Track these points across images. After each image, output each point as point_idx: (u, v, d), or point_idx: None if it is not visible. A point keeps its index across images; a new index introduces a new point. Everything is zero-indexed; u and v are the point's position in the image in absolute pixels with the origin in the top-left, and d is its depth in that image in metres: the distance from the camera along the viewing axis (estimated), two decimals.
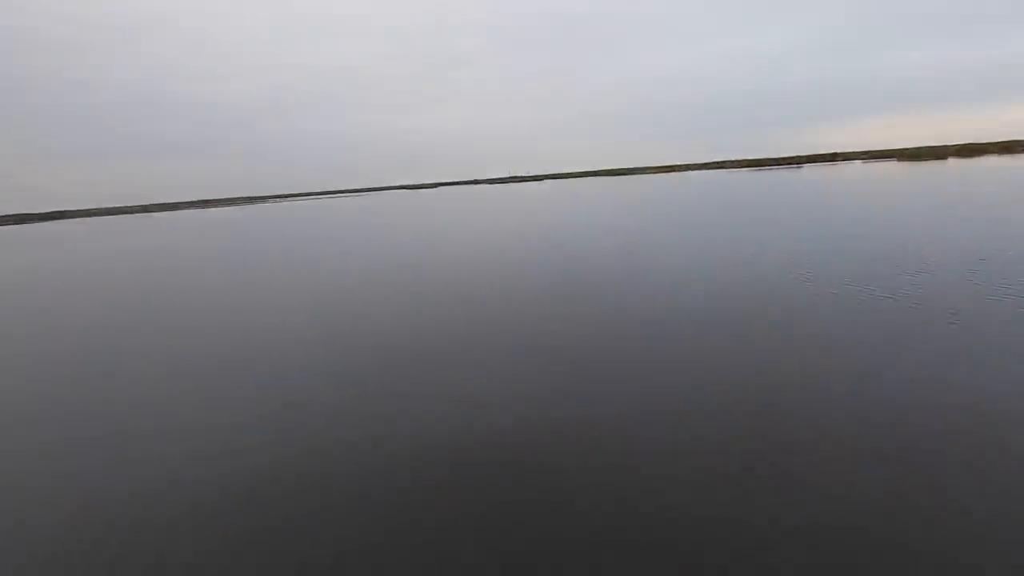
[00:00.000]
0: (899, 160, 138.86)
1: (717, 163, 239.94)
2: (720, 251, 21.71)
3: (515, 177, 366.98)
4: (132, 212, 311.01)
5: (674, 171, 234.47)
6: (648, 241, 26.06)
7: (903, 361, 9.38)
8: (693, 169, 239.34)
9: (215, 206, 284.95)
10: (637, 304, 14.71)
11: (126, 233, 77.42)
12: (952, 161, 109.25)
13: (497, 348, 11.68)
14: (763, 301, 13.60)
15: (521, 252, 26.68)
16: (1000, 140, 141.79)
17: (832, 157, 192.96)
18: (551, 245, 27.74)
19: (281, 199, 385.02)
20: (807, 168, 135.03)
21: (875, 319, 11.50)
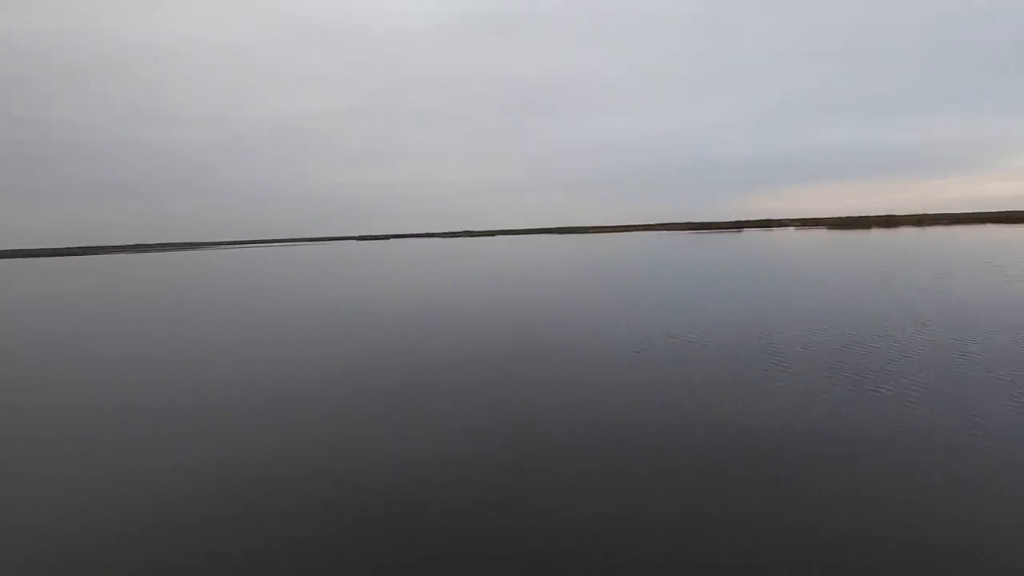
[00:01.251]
0: (828, 228, 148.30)
1: (663, 225, 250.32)
2: (650, 312, 20.88)
3: (468, 231, 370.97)
4: (68, 254, 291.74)
5: (622, 231, 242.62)
6: (584, 296, 25.22)
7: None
8: (640, 230, 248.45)
9: (156, 250, 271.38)
10: (563, 358, 14.37)
11: (49, 275, 71.13)
12: (875, 231, 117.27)
13: (420, 399, 11.32)
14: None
15: (460, 302, 25.69)
16: (913, 214, 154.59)
17: (768, 223, 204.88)
18: (490, 297, 26.57)
19: (233, 245, 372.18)
20: (746, 232, 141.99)
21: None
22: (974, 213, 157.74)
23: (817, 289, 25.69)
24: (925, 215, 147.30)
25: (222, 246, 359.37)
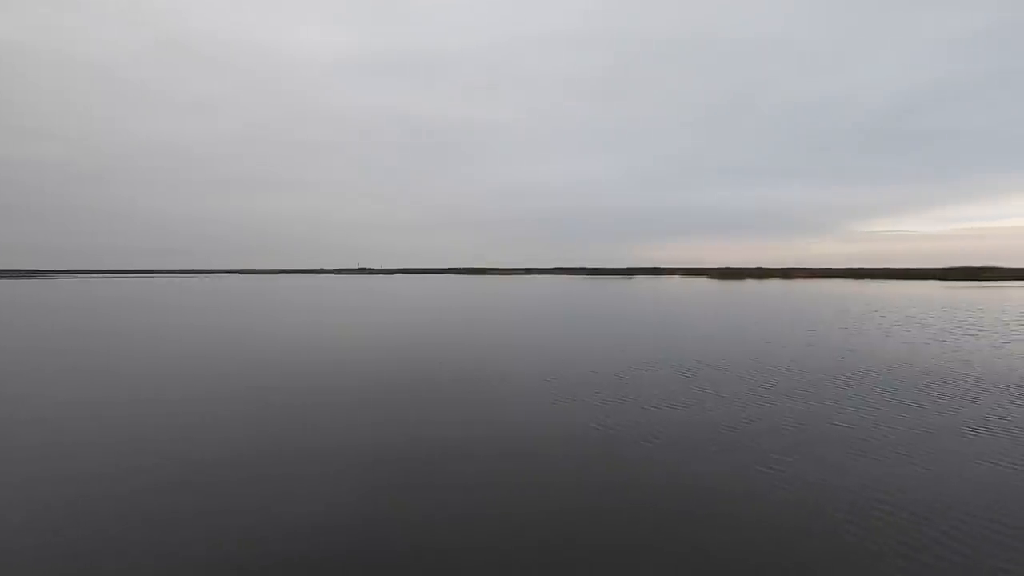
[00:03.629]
0: (709, 277, 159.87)
1: (561, 269, 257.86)
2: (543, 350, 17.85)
3: (364, 269, 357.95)
4: None
5: (521, 274, 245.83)
6: (480, 335, 21.87)
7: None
8: (539, 273, 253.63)
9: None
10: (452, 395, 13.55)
11: None
12: (749, 281, 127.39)
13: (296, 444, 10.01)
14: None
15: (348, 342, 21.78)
16: (783, 267, 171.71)
17: (657, 271, 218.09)
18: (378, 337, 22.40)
19: (86, 275, 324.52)
20: (638, 279, 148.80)
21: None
22: (827, 268, 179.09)
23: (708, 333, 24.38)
24: (791, 269, 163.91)
25: (72, 275, 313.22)
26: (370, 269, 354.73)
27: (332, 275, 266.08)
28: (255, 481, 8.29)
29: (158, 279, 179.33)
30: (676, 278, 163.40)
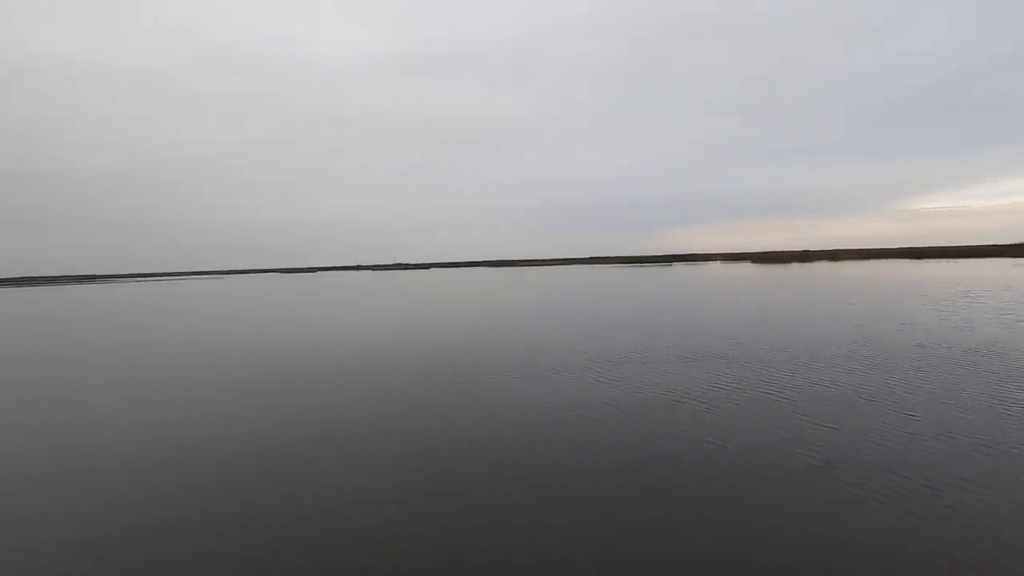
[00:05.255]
0: (752, 262, 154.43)
1: (597, 258, 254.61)
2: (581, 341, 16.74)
3: (399, 264, 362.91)
4: None
5: (556, 264, 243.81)
6: (522, 327, 21.00)
7: None
8: (575, 263, 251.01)
9: (47, 283, 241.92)
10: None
11: None
12: (794, 265, 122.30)
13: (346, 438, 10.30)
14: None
15: (396, 335, 22.75)
16: (828, 248, 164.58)
17: (696, 257, 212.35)
18: (422, 329, 22.09)
19: (140, 278, 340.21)
20: (676, 266, 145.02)
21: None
22: (877, 248, 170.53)
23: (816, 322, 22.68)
24: (837, 250, 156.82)
25: (126, 279, 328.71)
26: (405, 264, 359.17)
27: (369, 271, 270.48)
28: (305, 465, 9.02)
29: (208, 280, 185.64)
30: (716, 264, 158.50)
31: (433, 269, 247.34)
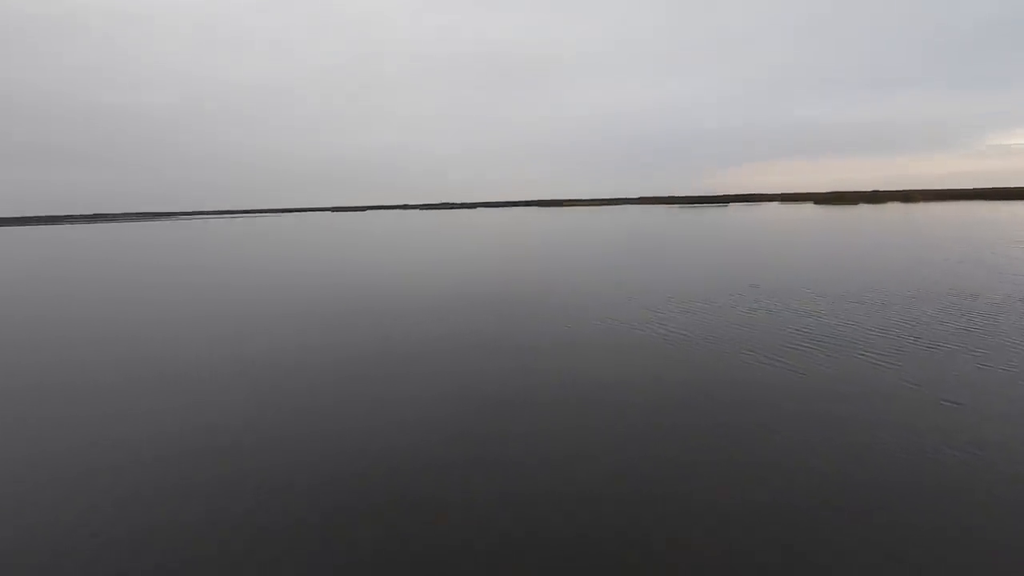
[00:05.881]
0: (815, 203, 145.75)
1: (649, 198, 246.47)
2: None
3: (447, 204, 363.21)
4: (10, 224, 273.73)
5: (609, 204, 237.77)
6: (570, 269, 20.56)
7: None
8: (626, 203, 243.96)
9: (115, 221, 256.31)
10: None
11: None
12: (862, 206, 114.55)
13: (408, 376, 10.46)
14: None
15: (457, 275, 23.14)
16: (900, 189, 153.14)
17: (753, 198, 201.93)
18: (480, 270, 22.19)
19: (200, 216, 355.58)
20: (733, 207, 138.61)
21: None
22: (955, 189, 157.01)
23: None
24: (912, 191, 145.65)
25: (187, 216, 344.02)
26: (453, 204, 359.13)
27: (417, 210, 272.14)
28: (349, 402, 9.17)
29: (259, 219, 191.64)
30: (775, 205, 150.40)
31: (480, 209, 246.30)
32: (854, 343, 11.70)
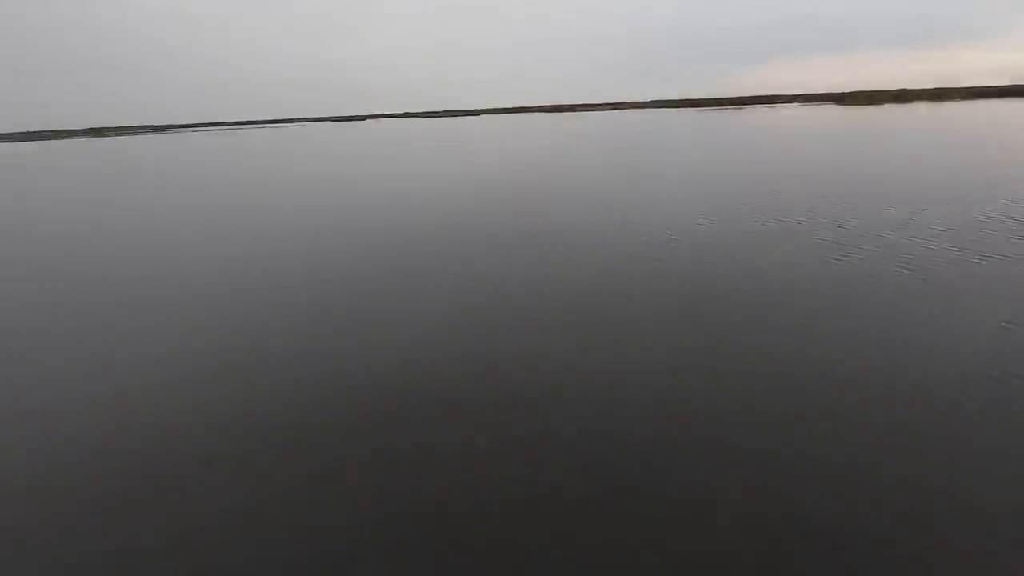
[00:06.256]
0: (837, 103, 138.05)
1: (659, 102, 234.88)
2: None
3: (450, 111, 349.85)
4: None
5: (617, 109, 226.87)
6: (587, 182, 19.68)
7: None
8: (636, 107, 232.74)
9: (109, 135, 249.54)
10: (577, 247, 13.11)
11: None
12: (888, 107, 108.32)
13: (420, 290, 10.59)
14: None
15: (458, 189, 23.15)
16: (931, 87, 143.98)
17: (770, 99, 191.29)
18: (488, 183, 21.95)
19: (196, 128, 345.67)
20: (749, 109, 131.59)
21: None
22: (994, 86, 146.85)
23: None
24: (944, 89, 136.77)
25: (184, 129, 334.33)
26: (456, 111, 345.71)
27: (419, 118, 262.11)
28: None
29: (257, 131, 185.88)
30: (794, 106, 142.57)
31: (484, 116, 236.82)
32: None
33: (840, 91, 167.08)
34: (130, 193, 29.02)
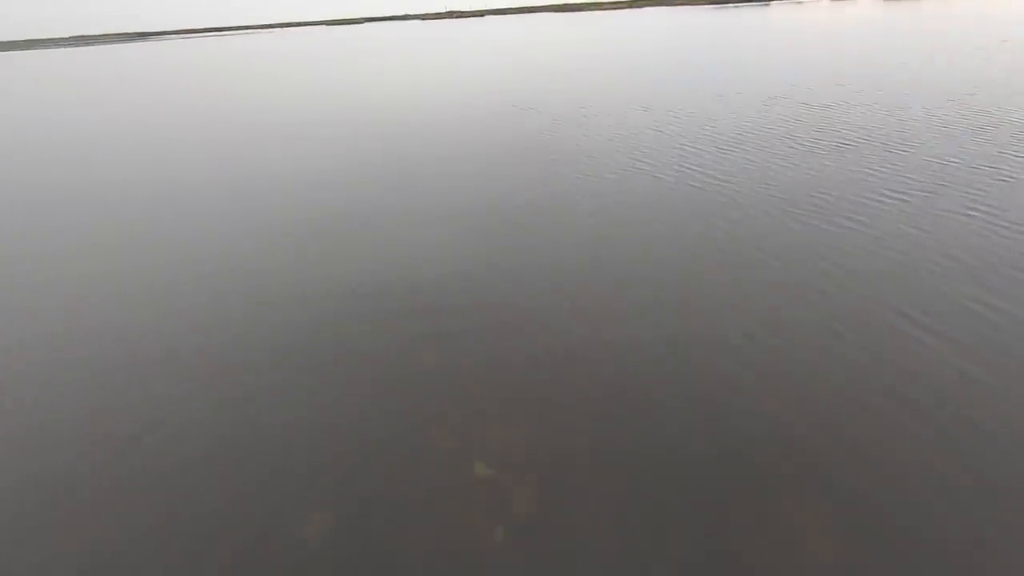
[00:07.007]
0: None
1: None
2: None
3: (452, 12, 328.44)
4: None
5: (625, 8, 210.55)
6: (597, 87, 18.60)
7: None
8: (651, 5, 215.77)
9: (95, 43, 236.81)
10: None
11: None
12: (927, 1, 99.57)
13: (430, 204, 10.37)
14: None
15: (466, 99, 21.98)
16: None
17: None
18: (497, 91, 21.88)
19: (184, 35, 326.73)
20: (775, 5, 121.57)
21: None
22: None
23: None
24: None
25: (171, 36, 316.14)
26: (459, 12, 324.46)
27: (418, 20, 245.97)
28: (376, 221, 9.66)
29: (253, 36, 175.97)
30: (825, 2, 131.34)
31: (489, 17, 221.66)
32: None
33: None
34: (120, 100, 27.91)
